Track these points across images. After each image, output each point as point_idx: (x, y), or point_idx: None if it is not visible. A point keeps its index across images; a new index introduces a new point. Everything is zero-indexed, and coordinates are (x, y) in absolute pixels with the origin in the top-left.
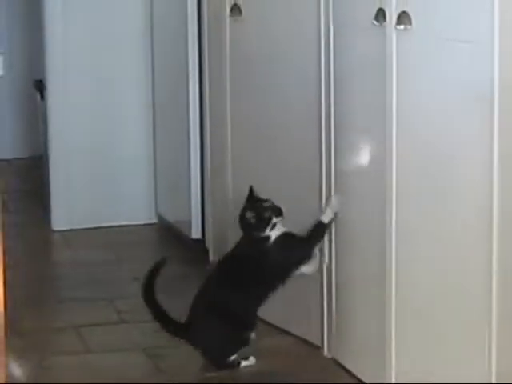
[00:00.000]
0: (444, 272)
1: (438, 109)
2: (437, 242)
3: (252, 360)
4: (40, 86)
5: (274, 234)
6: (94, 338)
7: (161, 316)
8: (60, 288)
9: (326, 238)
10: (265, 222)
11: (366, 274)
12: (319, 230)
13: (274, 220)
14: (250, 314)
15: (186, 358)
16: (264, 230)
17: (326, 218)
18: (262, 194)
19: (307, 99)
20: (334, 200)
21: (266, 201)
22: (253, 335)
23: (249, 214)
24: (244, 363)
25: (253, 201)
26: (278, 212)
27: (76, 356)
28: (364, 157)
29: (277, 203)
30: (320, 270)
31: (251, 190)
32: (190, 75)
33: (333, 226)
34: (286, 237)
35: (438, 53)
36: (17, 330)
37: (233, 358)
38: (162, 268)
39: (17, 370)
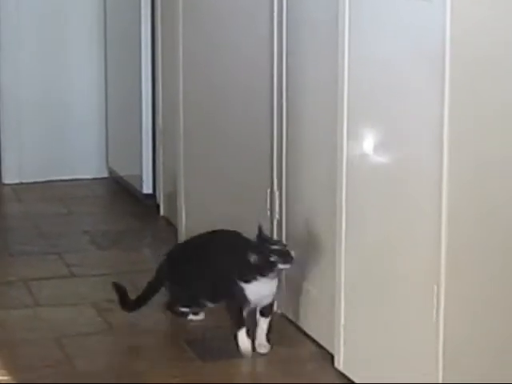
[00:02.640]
0: (394, 225)
1: (390, 67)
2: (387, 195)
3: (200, 315)
4: None
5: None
6: (43, 291)
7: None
8: (10, 241)
9: (276, 192)
10: (269, 268)
11: (316, 228)
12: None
13: (280, 266)
14: (198, 300)
15: (134, 312)
16: (265, 275)
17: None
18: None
19: (259, 55)
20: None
21: (275, 243)
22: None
23: (253, 257)
24: (191, 317)
25: (261, 241)
26: (287, 258)
27: (25, 309)
28: (315, 119)
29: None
30: (270, 225)
31: (260, 229)
32: (143, 26)
33: (283, 180)
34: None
35: (394, 10)
36: None
37: (183, 309)
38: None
39: None
